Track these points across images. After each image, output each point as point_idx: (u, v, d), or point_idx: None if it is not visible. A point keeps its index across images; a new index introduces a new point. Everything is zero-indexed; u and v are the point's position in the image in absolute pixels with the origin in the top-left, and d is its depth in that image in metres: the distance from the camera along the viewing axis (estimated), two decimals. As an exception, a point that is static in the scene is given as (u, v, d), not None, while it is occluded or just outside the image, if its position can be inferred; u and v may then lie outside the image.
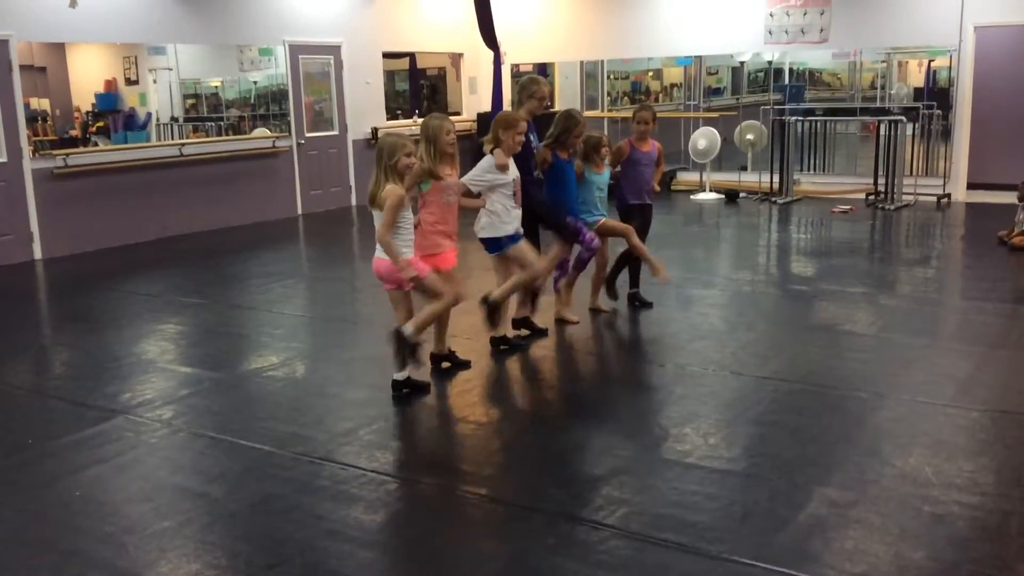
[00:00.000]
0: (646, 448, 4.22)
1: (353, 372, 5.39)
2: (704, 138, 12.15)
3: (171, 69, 11.09)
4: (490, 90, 13.18)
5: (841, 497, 3.61)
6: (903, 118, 11.09)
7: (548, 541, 3.35)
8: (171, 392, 5.13)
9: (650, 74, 14.68)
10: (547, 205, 5.72)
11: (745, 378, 5.11)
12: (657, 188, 6.48)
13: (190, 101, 11.77)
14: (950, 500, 3.57)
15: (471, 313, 5.63)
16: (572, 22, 13.60)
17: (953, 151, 11.44)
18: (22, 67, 9.03)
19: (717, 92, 14.03)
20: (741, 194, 12.16)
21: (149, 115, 10.85)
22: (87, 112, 10.60)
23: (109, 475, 4.06)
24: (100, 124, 10.42)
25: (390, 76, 13.80)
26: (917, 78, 12.79)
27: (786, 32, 12.11)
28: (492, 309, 5.41)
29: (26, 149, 8.97)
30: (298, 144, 11.64)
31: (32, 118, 9.41)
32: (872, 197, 11.38)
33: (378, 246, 4.72)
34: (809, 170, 12.48)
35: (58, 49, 10.32)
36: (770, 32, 12.22)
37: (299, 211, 11.71)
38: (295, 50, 11.51)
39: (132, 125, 10.46)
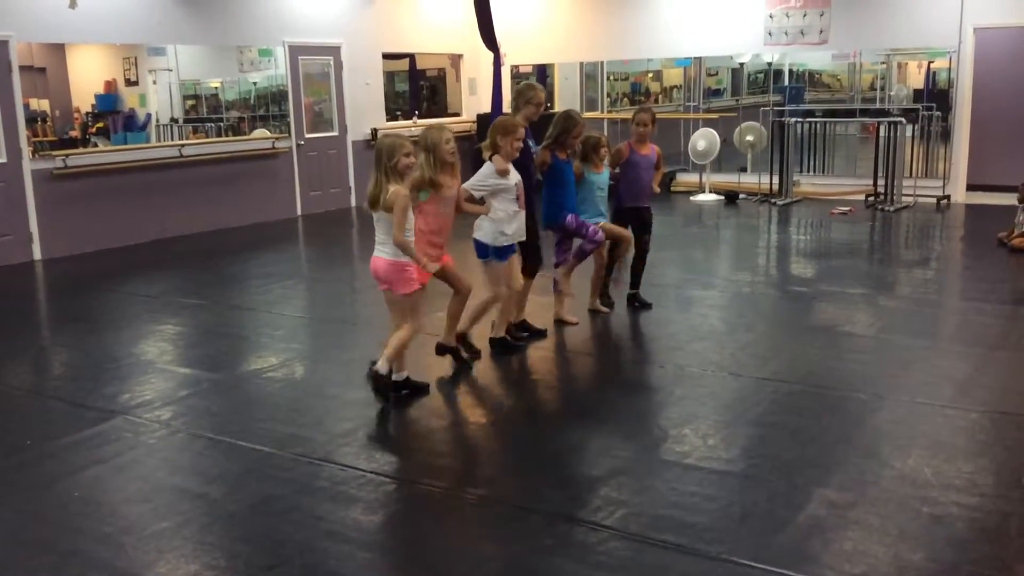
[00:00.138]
0: (645, 449, 4.22)
1: (352, 373, 5.38)
2: (704, 139, 12.15)
3: (171, 70, 11.10)
4: (490, 91, 13.19)
5: (840, 498, 3.61)
6: (903, 119, 11.09)
7: (547, 542, 3.35)
8: (170, 393, 5.12)
9: (650, 75, 14.69)
10: (533, 224, 5.71)
11: (744, 379, 5.11)
12: (656, 190, 6.48)
13: (190, 102, 11.77)
14: (949, 501, 3.57)
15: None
16: (572, 23, 13.60)
17: (953, 152, 11.44)
18: (22, 68, 9.03)
19: (717, 93, 14.04)
20: (741, 195, 12.16)
21: (149, 116, 10.85)
22: (87, 113, 10.61)
23: (108, 476, 4.06)
24: (100, 125, 10.43)
25: (390, 77, 13.81)
26: (917, 79, 12.80)
27: (786, 33, 12.11)
28: (462, 341, 5.44)
29: (26, 150, 8.97)
30: (298, 145, 11.64)
31: (32, 119, 9.42)
32: (872, 198, 11.38)
33: (377, 246, 4.71)
34: (809, 171, 12.48)
35: (58, 50, 10.33)
36: (770, 33, 12.22)
37: (298, 212, 11.71)
38: (295, 51, 11.51)
39: (132, 126, 10.47)
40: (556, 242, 6.08)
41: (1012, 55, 11.60)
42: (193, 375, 5.47)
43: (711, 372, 5.25)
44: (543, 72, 14.46)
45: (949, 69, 11.49)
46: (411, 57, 14.18)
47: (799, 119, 11.96)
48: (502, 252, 5.35)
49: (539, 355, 5.72)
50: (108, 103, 10.67)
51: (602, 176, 6.11)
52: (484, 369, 5.43)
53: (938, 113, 11.56)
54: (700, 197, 12.25)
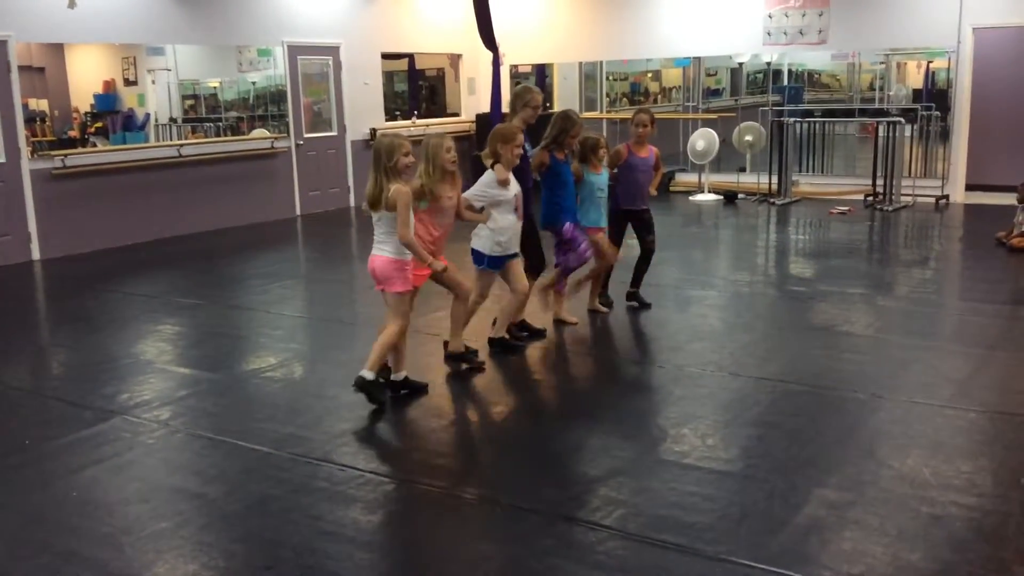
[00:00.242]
0: (644, 449, 4.21)
1: (351, 373, 5.35)
2: (703, 139, 12.15)
3: (170, 70, 11.09)
4: (489, 91, 13.17)
5: (839, 498, 3.61)
6: (902, 119, 11.10)
7: (545, 542, 3.35)
8: (169, 393, 5.12)
9: (649, 75, 14.69)
10: (532, 225, 5.71)
11: (743, 379, 5.11)
12: (654, 193, 6.46)
13: (189, 102, 11.76)
14: (948, 501, 3.57)
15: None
16: (571, 23, 13.60)
17: (952, 152, 11.44)
18: (21, 68, 9.02)
19: (716, 93, 14.04)
20: (740, 195, 12.16)
21: (148, 116, 10.84)
22: (86, 113, 10.59)
23: (106, 476, 4.05)
24: (99, 125, 10.41)
25: (389, 77, 13.80)
26: (916, 79, 12.80)
27: (785, 33, 12.12)
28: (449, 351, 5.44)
29: (24, 150, 8.96)
30: (297, 145, 11.64)
31: (31, 119, 9.40)
32: (871, 198, 11.38)
33: (376, 244, 4.71)
34: (808, 171, 12.48)
35: (57, 50, 10.31)
36: (769, 33, 12.22)
37: (297, 212, 11.71)
38: (294, 51, 11.51)
39: (131, 126, 10.45)
40: (555, 244, 6.07)
41: (1011, 55, 11.61)
42: (192, 375, 5.47)
43: (710, 372, 5.25)
44: (542, 72, 14.46)
45: (948, 69, 11.49)
46: (410, 57, 14.17)
47: (798, 119, 11.96)
48: (497, 262, 5.37)
49: (538, 355, 5.71)
50: (107, 103, 10.66)
51: (601, 177, 6.10)
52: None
53: (937, 113, 11.56)
54: (699, 197, 12.25)
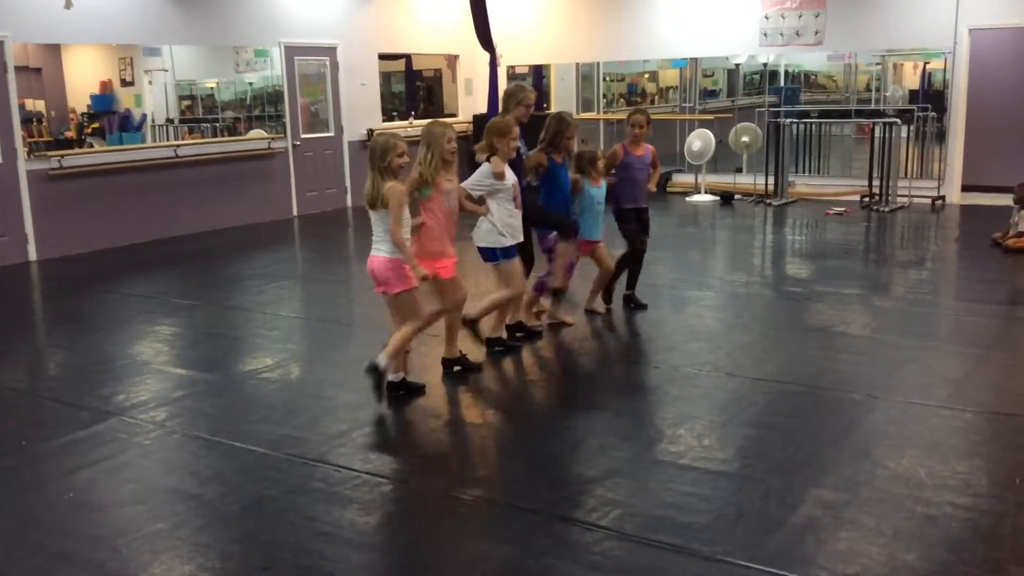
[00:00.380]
0: (640, 449, 4.22)
1: (348, 374, 5.38)
2: (699, 140, 12.16)
3: (167, 70, 11.08)
4: (486, 92, 13.19)
5: (835, 498, 3.62)
6: (898, 120, 11.12)
7: (542, 542, 3.35)
8: (165, 394, 5.12)
9: (646, 76, 14.69)
10: (541, 207, 5.73)
11: (739, 379, 5.12)
12: (653, 189, 6.49)
13: (186, 102, 11.75)
14: (943, 501, 3.57)
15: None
16: (568, 24, 13.61)
17: (948, 153, 11.45)
18: (17, 68, 9.01)
19: (712, 94, 14.06)
20: (736, 196, 12.17)
21: (144, 116, 10.84)
22: (82, 113, 10.59)
23: (102, 477, 4.05)
24: (95, 125, 10.40)
25: (386, 78, 13.79)
26: (912, 80, 12.82)
27: (781, 34, 12.13)
28: (471, 327, 5.43)
29: (21, 150, 8.95)
30: (294, 145, 11.64)
31: (27, 119, 9.39)
32: (867, 199, 11.40)
33: (374, 244, 4.71)
34: (804, 172, 12.50)
35: (53, 50, 10.31)
36: (765, 34, 12.24)
37: (294, 212, 11.70)
38: (291, 51, 11.50)
39: (127, 126, 10.45)
40: (544, 249, 6.03)
41: (1007, 56, 11.64)
42: (188, 376, 5.47)
43: (706, 372, 5.26)
44: (539, 73, 14.46)
45: (944, 70, 11.51)
46: (407, 58, 14.17)
47: (795, 120, 11.98)
48: (509, 252, 5.38)
49: (534, 356, 5.72)
50: (104, 103, 10.66)
51: (600, 190, 6.14)
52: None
53: (933, 114, 11.58)
54: (696, 198, 12.26)
